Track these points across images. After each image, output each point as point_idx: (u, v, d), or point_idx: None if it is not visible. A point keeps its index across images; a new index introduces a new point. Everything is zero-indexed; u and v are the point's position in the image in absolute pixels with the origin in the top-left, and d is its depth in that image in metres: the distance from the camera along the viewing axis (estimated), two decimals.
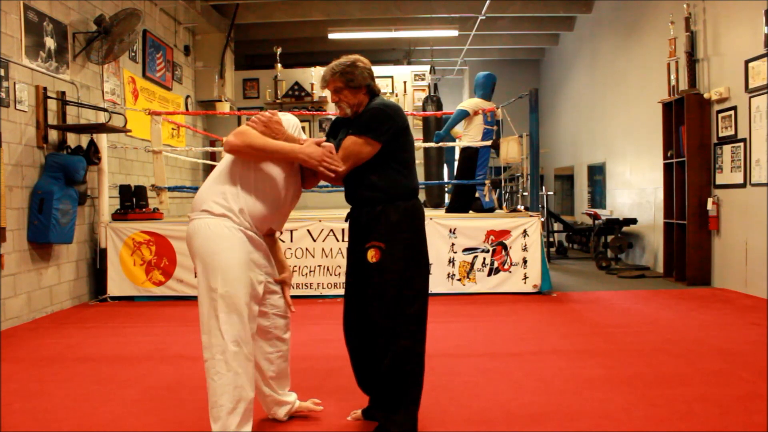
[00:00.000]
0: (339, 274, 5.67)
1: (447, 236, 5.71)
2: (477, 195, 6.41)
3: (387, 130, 2.41)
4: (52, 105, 5.10)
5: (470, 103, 6.43)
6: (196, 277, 2.33)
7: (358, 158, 2.40)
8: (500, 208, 7.03)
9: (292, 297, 2.64)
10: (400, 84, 9.97)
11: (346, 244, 5.59)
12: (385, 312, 2.37)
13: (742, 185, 5.77)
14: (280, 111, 2.51)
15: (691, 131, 6.31)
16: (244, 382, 2.22)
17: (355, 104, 2.48)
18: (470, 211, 6.33)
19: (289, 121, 2.44)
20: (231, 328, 2.19)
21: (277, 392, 2.57)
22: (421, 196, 9.32)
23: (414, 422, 2.41)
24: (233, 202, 2.28)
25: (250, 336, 2.28)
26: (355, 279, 2.52)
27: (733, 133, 5.90)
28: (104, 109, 5.51)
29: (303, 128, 2.60)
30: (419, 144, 7.82)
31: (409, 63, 11.27)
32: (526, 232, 5.72)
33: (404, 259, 2.40)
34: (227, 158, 2.38)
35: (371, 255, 2.39)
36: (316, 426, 2.61)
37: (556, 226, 10.02)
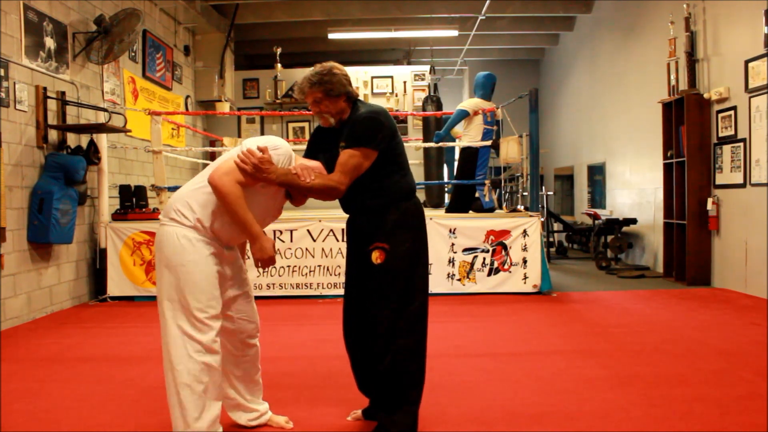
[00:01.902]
0: (339, 274, 5.67)
1: (447, 236, 5.71)
2: (477, 195, 6.41)
3: (383, 137, 2.38)
4: (52, 105, 5.10)
5: (470, 103, 6.43)
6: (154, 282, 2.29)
7: (358, 171, 2.36)
8: (500, 208, 7.03)
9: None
10: (400, 84, 9.97)
11: (346, 245, 5.62)
12: (387, 312, 2.37)
13: (742, 185, 5.77)
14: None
15: (691, 131, 6.31)
16: (210, 393, 2.21)
17: (337, 113, 2.45)
18: (470, 211, 6.33)
19: (279, 153, 2.32)
20: (194, 340, 2.18)
21: (244, 397, 2.52)
22: (421, 196, 9.34)
23: (414, 422, 2.41)
24: (206, 217, 2.23)
25: (216, 347, 2.24)
26: (356, 281, 2.51)
27: (733, 133, 5.90)
28: (104, 109, 5.51)
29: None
30: (419, 144, 7.85)
31: (409, 63, 11.27)
32: (525, 232, 5.72)
33: (408, 259, 2.41)
34: (225, 159, 2.31)
35: (375, 256, 2.39)
36: (315, 426, 2.61)
37: (556, 226, 10.02)
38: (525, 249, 5.72)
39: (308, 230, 5.69)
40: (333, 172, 2.36)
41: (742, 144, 5.75)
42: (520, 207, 7.00)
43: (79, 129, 5.43)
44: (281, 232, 5.66)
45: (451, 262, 5.71)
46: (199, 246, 2.22)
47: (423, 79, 10.05)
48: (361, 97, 2.56)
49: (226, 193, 2.17)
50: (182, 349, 2.17)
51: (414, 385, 2.41)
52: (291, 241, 5.69)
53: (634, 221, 7.97)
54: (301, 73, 2.50)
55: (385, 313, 2.37)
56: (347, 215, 2.59)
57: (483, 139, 6.27)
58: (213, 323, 2.23)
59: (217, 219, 2.25)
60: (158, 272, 2.25)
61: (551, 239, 9.99)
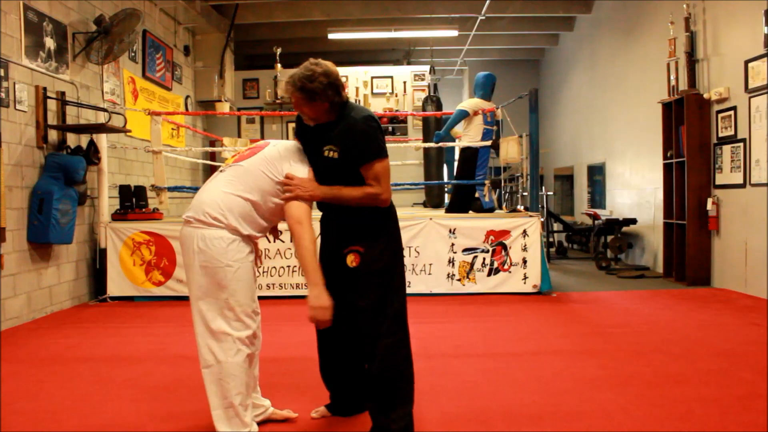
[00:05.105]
0: None
1: (447, 236, 5.71)
2: (477, 195, 6.41)
3: (384, 141, 2.45)
4: (51, 105, 5.10)
5: (470, 103, 6.43)
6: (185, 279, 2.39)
7: (388, 173, 2.43)
8: (500, 208, 7.03)
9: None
10: (400, 84, 9.97)
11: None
12: (368, 314, 2.40)
13: (742, 185, 5.77)
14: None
15: (690, 131, 6.31)
16: (248, 388, 2.39)
17: (315, 118, 2.42)
18: (470, 211, 6.33)
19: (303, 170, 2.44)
20: (243, 334, 2.32)
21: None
22: (421, 196, 9.36)
23: (410, 419, 2.42)
24: (241, 225, 2.32)
25: (255, 342, 2.43)
26: (331, 281, 2.48)
27: (732, 133, 5.90)
28: (104, 110, 5.51)
29: None
30: (419, 144, 7.85)
31: (409, 63, 11.27)
32: (525, 233, 5.72)
33: (382, 261, 2.43)
34: (251, 172, 2.36)
35: (351, 260, 2.43)
36: (315, 426, 2.61)
37: (556, 226, 10.02)
38: (525, 249, 5.72)
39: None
40: (364, 185, 2.39)
41: (742, 144, 5.75)
42: (520, 207, 7.00)
43: (79, 129, 5.43)
44: (281, 232, 5.66)
45: (451, 262, 5.71)
46: (241, 246, 2.32)
47: (423, 80, 10.05)
48: (360, 98, 2.56)
49: (306, 243, 2.30)
50: (227, 344, 2.28)
51: (406, 381, 2.44)
52: (291, 241, 5.68)
53: (633, 221, 7.97)
54: None
55: (366, 315, 2.40)
56: (321, 217, 2.61)
57: (483, 139, 6.27)
58: (255, 319, 2.38)
59: (251, 227, 2.36)
60: (195, 273, 2.30)
61: (551, 239, 9.98)
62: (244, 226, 2.32)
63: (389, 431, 2.37)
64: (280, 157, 2.41)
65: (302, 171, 2.41)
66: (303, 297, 5.64)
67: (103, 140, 5.70)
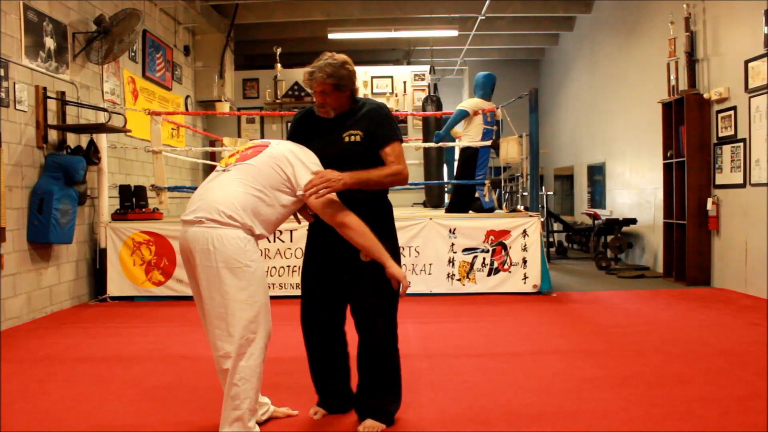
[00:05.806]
0: None
1: (447, 236, 5.71)
2: (477, 195, 6.41)
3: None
4: (51, 105, 5.10)
5: (470, 103, 6.43)
6: (194, 280, 2.34)
7: (403, 156, 2.55)
8: (500, 208, 7.03)
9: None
10: (400, 84, 9.98)
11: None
12: (375, 302, 2.50)
13: (742, 185, 5.77)
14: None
15: (690, 131, 6.31)
16: (257, 388, 2.35)
17: (337, 107, 2.51)
18: (470, 211, 6.33)
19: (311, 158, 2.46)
20: (260, 337, 2.29)
21: None
22: (421, 196, 9.36)
23: (399, 403, 2.60)
24: (255, 225, 2.30)
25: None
26: (332, 275, 2.58)
27: (732, 133, 5.90)
28: (104, 109, 5.51)
29: None
30: (419, 144, 7.85)
31: (409, 63, 11.27)
32: (525, 232, 5.72)
33: (390, 252, 2.50)
34: (262, 171, 2.34)
35: (364, 254, 2.47)
36: (315, 426, 2.61)
37: (556, 226, 10.02)
38: (525, 249, 5.72)
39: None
40: (385, 165, 2.47)
41: (742, 144, 5.75)
42: (520, 207, 7.00)
43: (79, 129, 5.43)
44: (281, 232, 5.66)
45: (451, 262, 5.71)
46: (255, 247, 2.33)
47: (423, 79, 10.05)
48: (360, 96, 2.65)
49: (362, 230, 2.36)
50: (244, 348, 2.24)
51: (398, 363, 2.59)
52: (291, 241, 5.69)
53: (633, 221, 7.97)
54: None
55: (374, 302, 2.50)
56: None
57: (483, 139, 6.27)
58: (270, 320, 2.36)
59: (263, 226, 2.35)
60: (209, 274, 2.24)
61: (551, 239, 9.98)
62: (257, 225, 2.30)
63: (389, 414, 2.53)
64: (287, 155, 2.38)
65: (317, 165, 2.42)
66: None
67: (103, 140, 5.70)
